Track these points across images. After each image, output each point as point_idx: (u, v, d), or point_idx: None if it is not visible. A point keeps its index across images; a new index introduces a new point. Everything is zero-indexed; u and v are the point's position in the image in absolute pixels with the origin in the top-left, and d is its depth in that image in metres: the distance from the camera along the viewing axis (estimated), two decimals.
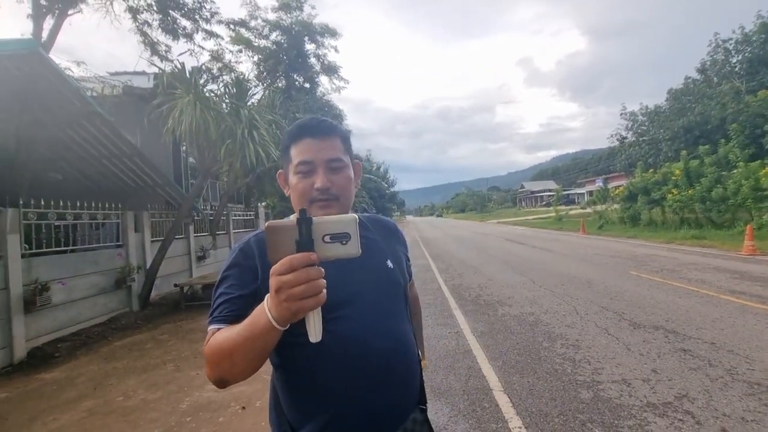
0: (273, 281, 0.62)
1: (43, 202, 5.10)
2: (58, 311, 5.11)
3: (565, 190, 59.82)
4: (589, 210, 26.51)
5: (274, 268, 0.62)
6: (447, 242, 17.53)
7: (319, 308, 0.65)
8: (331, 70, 17.61)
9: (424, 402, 1.05)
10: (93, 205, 5.91)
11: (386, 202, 48.36)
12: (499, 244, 15.17)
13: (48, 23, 7.41)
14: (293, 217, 0.67)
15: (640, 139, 25.53)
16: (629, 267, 8.28)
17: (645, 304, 5.34)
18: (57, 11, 7.46)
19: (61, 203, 5.37)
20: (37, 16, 7.18)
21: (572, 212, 31.51)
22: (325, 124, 0.96)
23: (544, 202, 68.98)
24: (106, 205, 6.19)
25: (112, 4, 8.76)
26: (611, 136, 28.24)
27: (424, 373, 1.15)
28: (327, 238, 0.64)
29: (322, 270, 0.63)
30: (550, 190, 69.94)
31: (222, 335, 0.77)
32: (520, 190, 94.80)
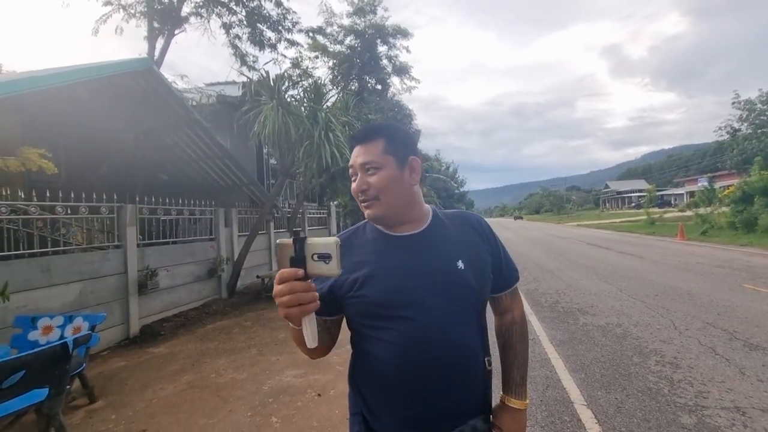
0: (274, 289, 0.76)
1: (153, 199, 5.86)
2: (163, 294, 5.85)
3: (658, 190, 53.37)
4: (689, 213, 23.35)
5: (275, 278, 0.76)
6: (521, 244, 16.68)
7: (313, 317, 0.76)
8: (402, 70, 17.69)
9: (489, 412, 1.04)
10: (191, 202, 6.65)
11: (455, 202, 47.54)
12: (579, 248, 14.05)
13: (159, 43, 8.51)
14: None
15: (759, 131, 21.74)
16: (742, 279, 7.15)
17: (764, 322, 4.58)
18: (166, 32, 8.54)
19: (167, 200, 6.12)
20: (151, 38, 8.31)
21: (667, 215, 28.03)
22: (367, 129, 1.01)
23: (632, 204, 62.32)
24: (201, 202, 6.92)
25: (209, 22, 9.80)
26: (720, 128, 24.26)
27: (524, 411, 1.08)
28: (315, 257, 0.73)
29: (311, 284, 0.74)
30: (640, 191, 63.02)
31: None
32: (603, 191, 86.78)
